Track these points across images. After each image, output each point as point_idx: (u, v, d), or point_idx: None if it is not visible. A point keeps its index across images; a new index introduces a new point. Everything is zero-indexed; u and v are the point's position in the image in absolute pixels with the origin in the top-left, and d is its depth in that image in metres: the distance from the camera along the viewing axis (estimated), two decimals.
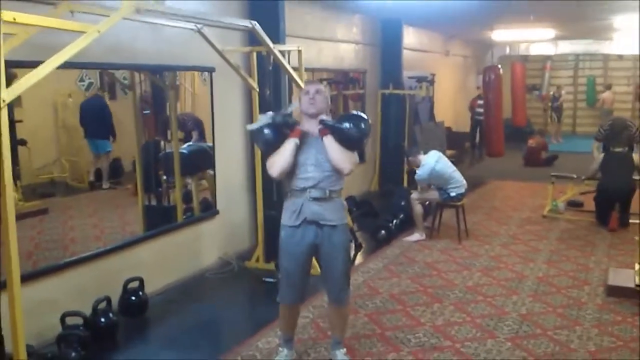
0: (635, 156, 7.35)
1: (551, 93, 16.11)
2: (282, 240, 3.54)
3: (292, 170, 3.45)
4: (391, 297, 4.89)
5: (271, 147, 3.44)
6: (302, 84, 5.26)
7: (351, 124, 3.43)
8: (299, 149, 3.43)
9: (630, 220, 6.99)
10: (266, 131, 3.41)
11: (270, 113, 3.49)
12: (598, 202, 7.33)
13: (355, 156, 3.47)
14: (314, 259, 3.67)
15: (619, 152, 7.34)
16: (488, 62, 13.66)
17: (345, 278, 3.58)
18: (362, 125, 3.47)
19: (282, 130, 3.42)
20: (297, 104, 3.56)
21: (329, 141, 3.37)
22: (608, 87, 15.96)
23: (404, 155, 8.85)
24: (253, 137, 3.58)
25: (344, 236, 3.55)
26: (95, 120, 5.58)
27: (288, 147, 3.38)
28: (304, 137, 3.47)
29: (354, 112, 3.63)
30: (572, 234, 6.89)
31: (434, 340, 4.07)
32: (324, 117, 3.44)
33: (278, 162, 3.39)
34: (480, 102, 13.08)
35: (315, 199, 3.40)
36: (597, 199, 7.34)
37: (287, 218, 3.50)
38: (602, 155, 7.51)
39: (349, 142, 3.41)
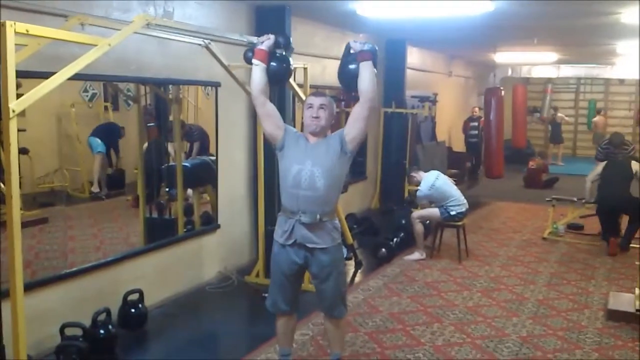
0: (635, 164, 7.18)
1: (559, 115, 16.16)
2: (274, 254, 3.53)
3: (285, 183, 3.38)
4: (391, 316, 4.88)
5: None
6: None
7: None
8: (294, 159, 3.35)
9: (631, 245, 6.98)
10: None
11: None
12: (599, 215, 7.28)
13: None
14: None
15: (618, 161, 7.32)
16: (490, 84, 13.73)
17: (338, 297, 3.53)
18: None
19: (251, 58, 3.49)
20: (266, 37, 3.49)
21: (368, 67, 3.31)
22: (598, 111, 16.09)
23: (406, 173, 8.89)
24: None
25: (335, 257, 3.46)
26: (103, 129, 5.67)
27: (253, 72, 3.42)
28: (301, 147, 3.38)
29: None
30: (572, 257, 6.88)
31: None
32: (366, 41, 3.39)
33: (251, 86, 3.45)
34: (473, 124, 13.12)
35: (306, 224, 3.33)
36: (598, 211, 7.29)
37: (279, 235, 3.46)
38: (600, 166, 7.39)
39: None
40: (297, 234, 3.36)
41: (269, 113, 3.43)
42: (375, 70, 3.35)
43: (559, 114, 16.10)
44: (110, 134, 5.71)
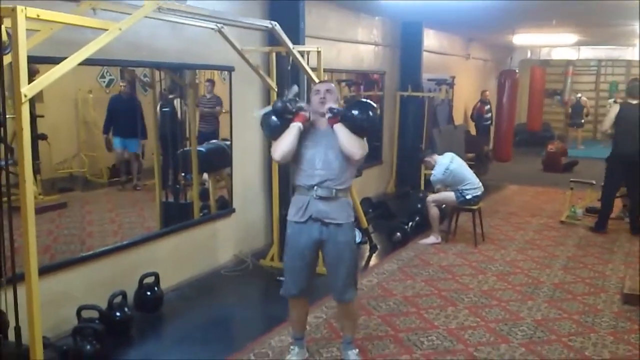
0: None
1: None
2: (288, 235, 3.58)
3: (299, 166, 3.48)
4: (405, 300, 4.89)
5: (275, 132, 3.49)
6: None
7: (360, 111, 3.45)
8: (307, 144, 3.46)
9: None
10: (271, 117, 3.49)
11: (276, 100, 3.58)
12: (609, 170, 6.98)
13: (365, 143, 3.48)
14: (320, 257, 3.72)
15: (633, 104, 6.72)
16: (507, 67, 13.57)
17: (350, 277, 3.58)
18: (371, 113, 3.49)
19: (285, 116, 3.45)
20: (297, 89, 3.57)
21: (339, 128, 3.39)
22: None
23: (421, 158, 8.85)
24: (260, 124, 3.61)
25: (349, 235, 3.55)
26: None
27: (290, 131, 3.40)
28: (313, 133, 3.51)
29: (363, 99, 3.70)
30: (589, 241, 6.82)
31: (447, 344, 4.07)
32: (332, 105, 3.45)
33: (280, 146, 3.42)
34: (487, 107, 13.00)
35: (322, 198, 3.42)
36: (609, 164, 6.97)
37: (293, 214, 3.53)
38: (615, 107, 6.96)
39: (358, 129, 3.43)
40: (312, 209, 3.43)
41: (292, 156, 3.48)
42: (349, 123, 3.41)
43: (584, 98, 15.86)
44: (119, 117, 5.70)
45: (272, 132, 3.54)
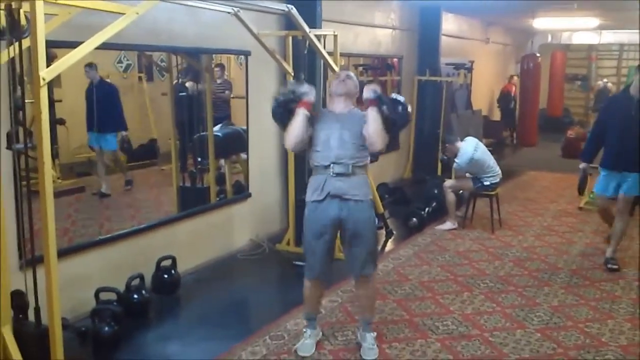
0: None
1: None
2: (306, 216, 3.59)
3: (315, 149, 3.51)
4: (421, 285, 4.89)
5: (283, 122, 3.56)
6: (337, 69, 5.25)
7: (397, 106, 3.52)
8: (322, 127, 3.50)
9: None
10: (277, 109, 3.55)
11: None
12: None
13: (387, 137, 3.50)
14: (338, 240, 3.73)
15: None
16: (528, 51, 13.40)
17: (369, 255, 3.58)
18: (409, 111, 3.59)
19: (288, 106, 3.49)
20: (309, 88, 3.57)
21: (373, 112, 3.42)
22: None
23: (439, 143, 8.78)
24: (272, 117, 3.67)
25: (369, 213, 3.56)
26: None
27: (297, 119, 3.44)
28: (328, 115, 3.56)
29: (401, 98, 3.74)
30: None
31: (462, 329, 4.06)
32: (377, 88, 3.49)
33: (290, 134, 3.48)
34: (514, 89, 12.93)
35: (339, 175, 3.43)
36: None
37: (310, 194, 3.54)
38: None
39: (389, 121, 3.46)
40: (330, 187, 3.45)
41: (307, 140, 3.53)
42: (383, 112, 3.46)
43: (610, 83, 15.63)
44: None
45: (279, 122, 3.62)
